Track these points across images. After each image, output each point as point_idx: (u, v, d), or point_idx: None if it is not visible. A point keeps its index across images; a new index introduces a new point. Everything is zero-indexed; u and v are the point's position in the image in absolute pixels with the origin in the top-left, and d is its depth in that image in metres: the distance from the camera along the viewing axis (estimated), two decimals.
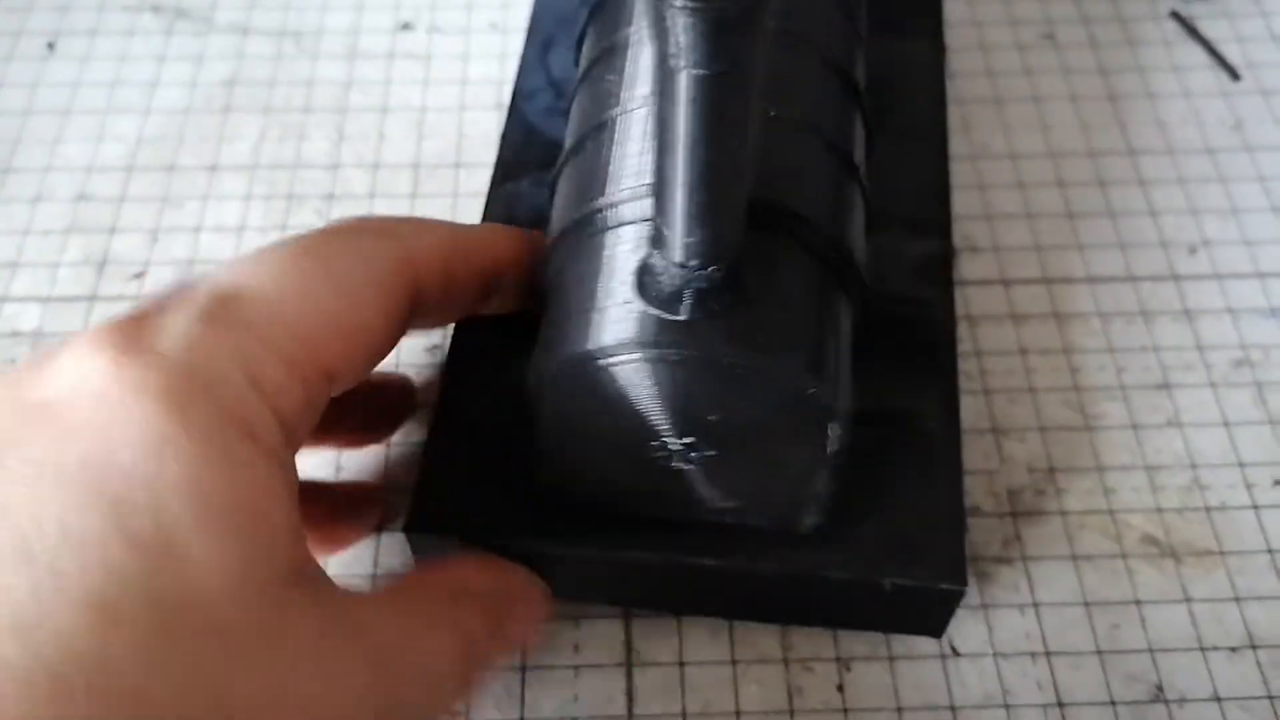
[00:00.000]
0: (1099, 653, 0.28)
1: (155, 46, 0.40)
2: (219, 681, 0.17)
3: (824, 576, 0.25)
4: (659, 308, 0.20)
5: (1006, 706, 0.27)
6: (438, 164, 0.37)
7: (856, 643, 0.28)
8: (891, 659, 0.27)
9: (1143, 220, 0.36)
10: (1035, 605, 0.28)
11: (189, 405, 0.18)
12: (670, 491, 0.24)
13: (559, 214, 0.25)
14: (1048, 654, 0.28)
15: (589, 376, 0.21)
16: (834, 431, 0.22)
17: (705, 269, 0.20)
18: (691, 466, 0.24)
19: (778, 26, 0.25)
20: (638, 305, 0.20)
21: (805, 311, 0.22)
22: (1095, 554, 0.29)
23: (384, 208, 0.35)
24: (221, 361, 0.19)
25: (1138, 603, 0.28)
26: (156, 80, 0.39)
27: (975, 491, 0.30)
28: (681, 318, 0.20)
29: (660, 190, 0.18)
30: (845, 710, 0.27)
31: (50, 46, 0.40)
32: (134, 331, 0.19)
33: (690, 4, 0.14)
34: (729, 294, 0.20)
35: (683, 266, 0.20)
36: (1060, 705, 0.27)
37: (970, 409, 0.31)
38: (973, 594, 0.28)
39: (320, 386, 0.21)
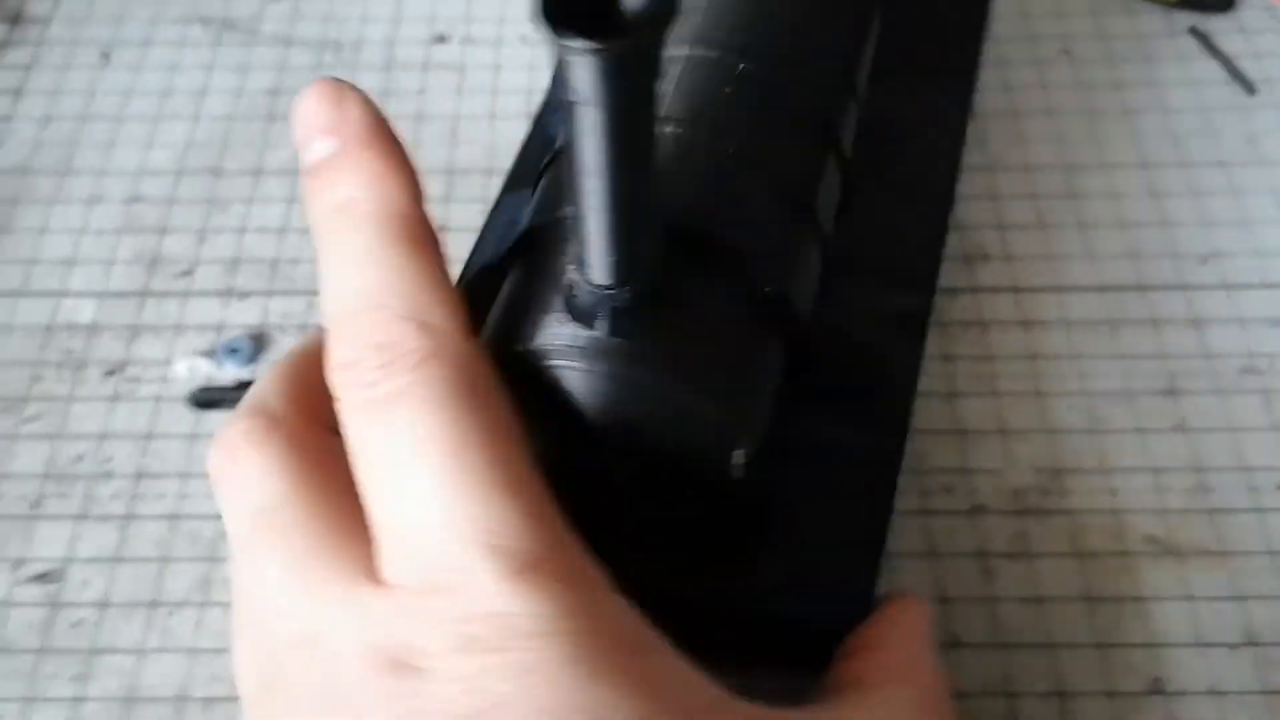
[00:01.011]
0: (1099, 646, 0.28)
1: (204, 57, 0.42)
2: None
3: (719, 604, 0.25)
4: (578, 321, 0.21)
5: (1007, 695, 0.28)
6: (470, 169, 0.38)
7: None
8: None
9: (1154, 231, 0.36)
10: (1039, 600, 0.29)
11: (595, 666, 0.18)
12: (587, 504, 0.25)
13: (527, 215, 0.26)
14: (1051, 645, 0.28)
15: (513, 368, 0.22)
16: (737, 460, 0.22)
17: (616, 289, 0.20)
18: (603, 479, 0.24)
19: (750, 70, 0.25)
20: (563, 316, 0.21)
21: (718, 340, 0.22)
22: (1099, 551, 0.30)
23: None
24: (565, 600, 0.18)
25: (1138, 599, 0.29)
26: (205, 89, 0.41)
27: (983, 490, 0.31)
28: (595, 334, 0.21)
29: (575, 215, 0.19)
30: None
31: (105, 56, 0.42)
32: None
33: (588, 45, 0.15)
34: (642, 315, 0.21)
35: (597, 286, 0.20)
36: (1061, 695, 0.28)
37: (980, 411, 0.32)
38: (979, 586, 0.29)
39: None
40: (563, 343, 0.21)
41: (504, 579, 0.18)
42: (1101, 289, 0.35)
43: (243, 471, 0.20)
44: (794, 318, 0.24)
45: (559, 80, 0.16)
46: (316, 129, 0.21)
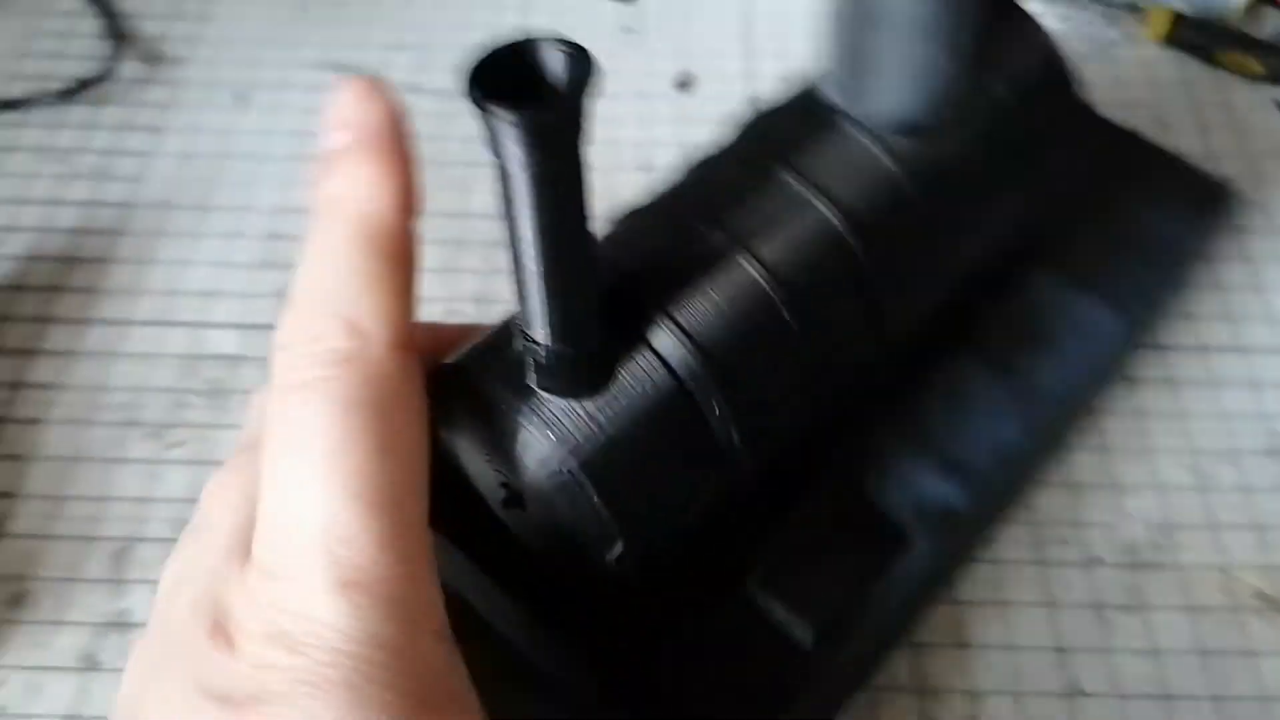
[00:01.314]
0: (1214, 699, 0.30)
1: None
2: None
3: None
4: (511, 363, 0.22)
5: None
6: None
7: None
8: (1017, 695, 0.30)
9: (1250, 296, 0.38)
10: (1155, 651, 0.30)
11: (373, 694, 0.18)
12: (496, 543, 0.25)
13: None
14: (1167, 697, 0.30)
15: (447, 380, 0.23)
16: (612, 554, 0.22)
17: (539, 344, 0.21)
18: (510, 518, 0.24)
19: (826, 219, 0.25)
20: (504, 353, 0.22)
21: (631, 440, 0.22)
22: (1209, 606, 0.31)
23: None
24: (382, 630, 0.18)
25: (1249, 653, 0.30)
26: None
27: (1096, 544, 0.32)
28: (524, 381, 0.22)
29: (512, 271, 0.20)
30: None
31: (242, 98, 0.44)
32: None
33: (513, 115, 0.16)
34: (565, 376, 0.21)
35: (526, 337, 0.21)
36: None
37: (1091, 466, 0.34)
38: (1095, 636, 0.31)
39: None
40: (492, 375, 0.22)
41: (330, 588, 0.18)
42: (1203, 349, 0.36)
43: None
44: (729, 443, 0.23)
45: (492, 150, 0.17)
46: (338, 120, 0.21)
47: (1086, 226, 0.34)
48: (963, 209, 0.28)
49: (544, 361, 0.21)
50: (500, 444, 0.22)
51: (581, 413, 0.22)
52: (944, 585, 0.31)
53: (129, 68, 0.45)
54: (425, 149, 0.43)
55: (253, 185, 0.41)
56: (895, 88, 0.26)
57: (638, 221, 0.26)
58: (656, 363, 0.22)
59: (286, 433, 0.19)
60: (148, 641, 0.20)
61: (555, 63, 0.17)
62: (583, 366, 0.21)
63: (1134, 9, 0.46)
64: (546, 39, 0.17)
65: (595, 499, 0.21)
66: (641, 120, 0.43)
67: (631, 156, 0.42)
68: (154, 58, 0.45)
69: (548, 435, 0.22)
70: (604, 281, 0.22)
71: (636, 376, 0.22)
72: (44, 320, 0.37)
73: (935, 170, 0.27)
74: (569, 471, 0.21)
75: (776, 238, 0.24)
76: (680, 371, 0.22)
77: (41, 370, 0.36)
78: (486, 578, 0.25)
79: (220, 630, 0.19)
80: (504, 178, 0.18)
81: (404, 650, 0.18)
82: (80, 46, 0.46)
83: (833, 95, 0.27)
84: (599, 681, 0.25)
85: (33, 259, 0.39)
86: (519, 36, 0.17)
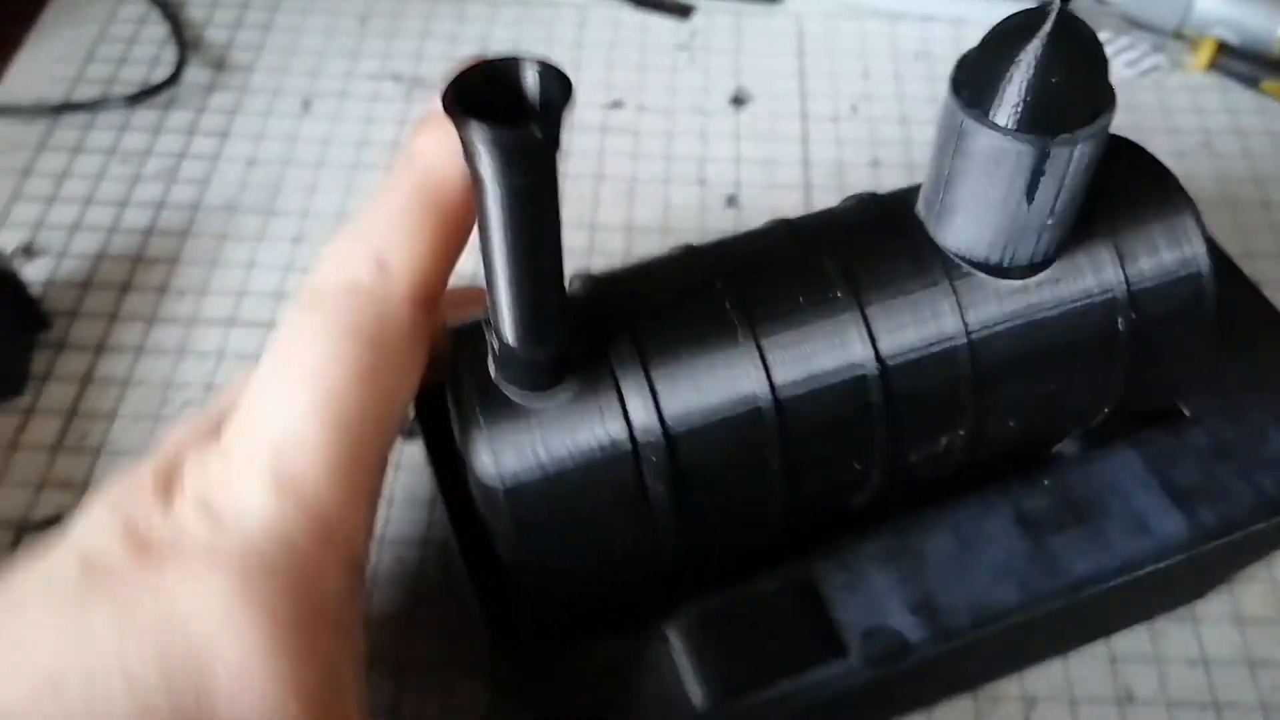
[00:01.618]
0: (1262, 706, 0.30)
1: (396, 111, 0.45)
2: None
3: None
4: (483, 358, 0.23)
5: None
6: (647, 228, 0.41)
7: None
8: (1073, 701, 0.30)
9: None
10: (1204, 661, 0.31)
11: (263, 588, 0.19)
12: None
13: None
14: (1215, 705, 0.30)
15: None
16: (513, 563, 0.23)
17: (502, 342, 0.21)
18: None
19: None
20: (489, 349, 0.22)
21: (562, 451, 0.22)
22: (1259, 617, 0.32)
23: (601, 263, 0.39)
24: (297, 537, 0.19)
25: None
26: (398, 141, 0.44)
27: None
28: (488, 369, 0.22)
29: (486, 275, 0.21)
30: None
31: (306, 105, 0.45)
32: (204, 493, 0.20)
33: (491, 131, 0.17)
34: (524, 373, 0.22)
35: (494, 332, 0.22)
36: None
37: None
38: (1146, 645, 0.31)
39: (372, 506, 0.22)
40: (468, 355, 0.23)
41: (265, 483, 0.19)
42: None
43: None
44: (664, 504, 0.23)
45: (470, 164, 0.18)
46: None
47: (1194, 409, 0.29)
48: (1018, 375, 0.25)
49: (504, 356, 0.22)
50: (461, 428, 0.23)
51: (526, 424, 0.22)
52: (872, 712, 0.30)
53: (195, 74, 0.46)
54: None
55: (315, 191, 0.42)
56: (973, 219, 0.24)
57: (674, 261, 0.25)
58: (614, 398, 0.22)
59: (285, 338, 0.21)
60: (120, 475, 0.21)
61: (533, 82, 0.18)
62: (541, 368, 0.22)
63: (1180, 38, 0.47)
64: (527, 59, 0.18)
65: (508, 519, 0.22)
66: (697, 135, 0.44)
67: (687, 170, 0.43)
68: (219, 64, 0.46)
69: (488, 440, 0.22)
70: (602, 297, 0.23)
71: (588, 402, 0.22)
72: (114, 317, 0.38)
73: (1004, 319, 0.24)
74: (499, 485, 0.22)
75: (791, 346, 0.23)
76: (634, 421, 0.22)
77: (112, 366, 0.37)
78: (454, 538, 0.26)
79: (166, 486, 0.20)
80: (479, 189, 0.19)
81: (309, 565, 0.19)
82: (147, 52, 0.47)
83: (920, 209, 0.25)
84: (495, 683, 0.25)
85: (102, 258, 0.40)
86: (502, 55, 0.18)
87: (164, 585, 0.18)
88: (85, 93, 0.45)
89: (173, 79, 0.45)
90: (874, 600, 0.26)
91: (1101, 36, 0.46)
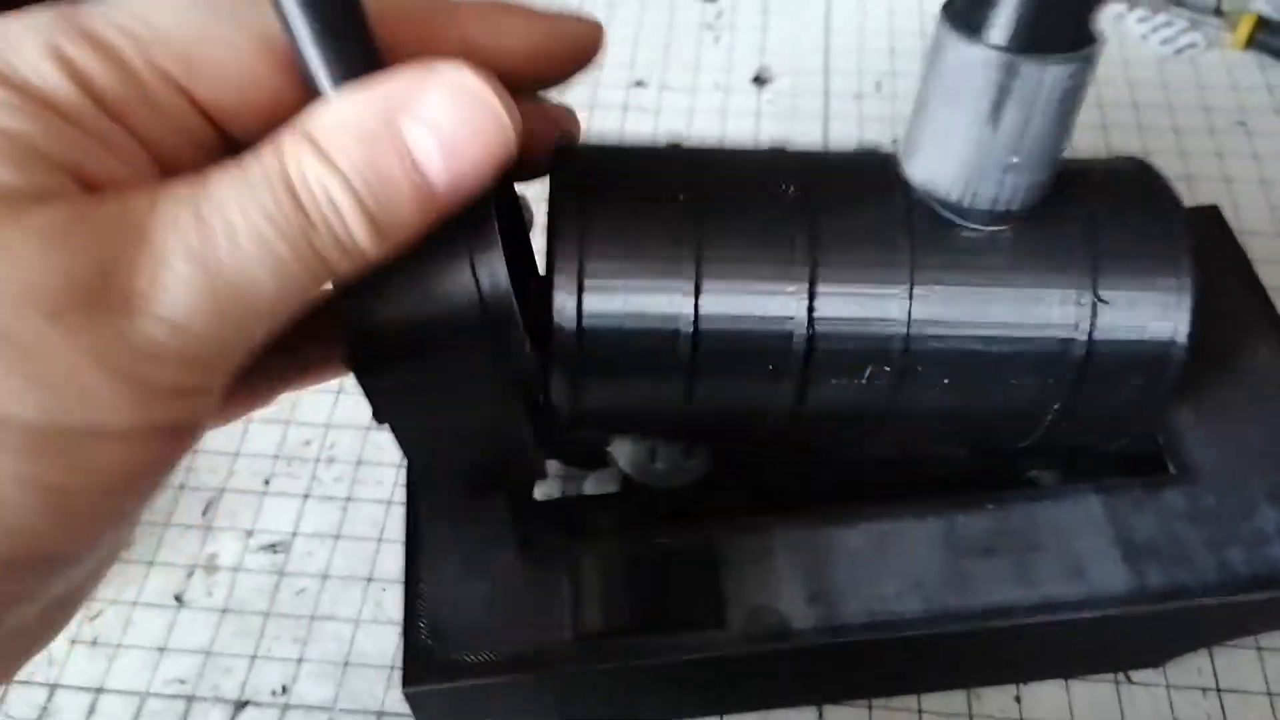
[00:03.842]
0: None
1: None
2: None
3: None
4: None
5: None
6: None
7: None
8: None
9: None
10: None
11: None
12: None
13: None
14: None
15: None
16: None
17: None
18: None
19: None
20: None
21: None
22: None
23: None
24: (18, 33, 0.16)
25: None
26: None
27: None
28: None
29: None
30: None
31: None
32: None
33: None
34: None
35: None
36: None
37: None
38: None
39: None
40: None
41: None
42: None
43: None
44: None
45: None
46: None
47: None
48: (957, 325, 0.24)
49: None
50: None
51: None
52: (757, 693, 0.29)
53: None
54: None
55: None
56: (937, 147, 0.23)
57: (638, 154, 0.25)
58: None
59: None
60: None
61: None
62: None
63: (1218, 13, 0.46)
64: None
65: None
66: (719, 113, 0.44)
67: None
68: None
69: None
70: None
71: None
72: None
73: (954, 263, 0.23)
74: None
75: (731, 255, 0.23)
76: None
77: None
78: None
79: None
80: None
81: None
82: None
83: (899, 147, 0.25)
84: None
85: None
86: None
87: None
88: None
89: None
90: (772, 580, 0.26)
91: (1137, 14, 0.45)
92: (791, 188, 0.23)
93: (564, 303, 0.22)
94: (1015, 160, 0.22)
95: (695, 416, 0.24)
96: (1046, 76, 0.21)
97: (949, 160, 0.23)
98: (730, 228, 0.23)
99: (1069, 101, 0.22)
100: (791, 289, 0.23)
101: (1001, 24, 0.21)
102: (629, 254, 0.23)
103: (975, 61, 0.21)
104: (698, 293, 0.23)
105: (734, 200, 0.23)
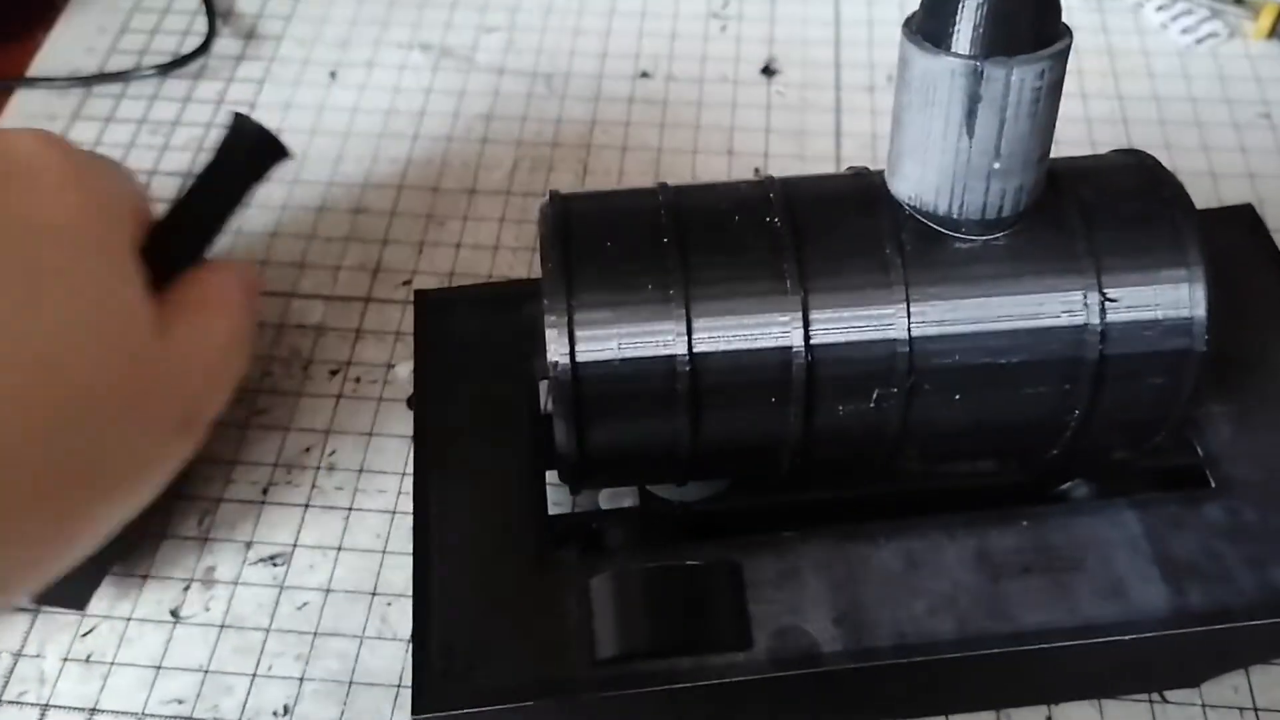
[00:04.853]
0: None
1: (423, 80, 0.44)
2: None
3: None
4: None
5: None
6: None
7: None
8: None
9: None
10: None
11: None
12: None
13: None
14: None
15: None
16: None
17: None
18: None
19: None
20: None
21: None
22: None
23: None
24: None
25: None
26: (424, 110, 0.43)
27: None
28: None
29: None
30: None
31: (333, 75, 0.45)
32: None
33: None
34: None
35: None
36: None
37: None
38: None
39: None
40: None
41: None
42: None
43: None
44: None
45: None
46: None
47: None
48: (960, 339, 0.23)
49: None
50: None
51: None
52: (781, 715, 0.28)
53: (225, 44, 0.46)
54: (509, 129, 0.44)
55: (340, 161, 0.42)
56: (918, 160, 0.23)
57: (623, 197, 0.26)
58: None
59: None
60: None
61: None
62: None
63: (1239, 2, 0.44)
64: None
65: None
66: (726, 105, 0.43)
67: (715, 140, 0.42)
68: (249, 34, 0.46)
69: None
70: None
71: None
72: None
73: (947, 277, 0.23)
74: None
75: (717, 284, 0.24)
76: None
77: None
78: None
79: None
80: None
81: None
82: (179, 22, 0.47)
83: (886, 165, 0.25)
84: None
85: None
86: None
87: None
88: (118, 63, 0.45)
89: (203, 49, 0.45)
90: (799, 600, 0.25)
91: (1155, 3, 0.44)
92: (778, 219, 0.24)
93: (558, 351, 0.23)
94: (998, 166, 0.22)
95: (704, 456, 0.24)
96: (1014, 78, 0.21)
97: (931, 173, 0.23)
98: (717, 264, 0.23)
99: (1043, 100, 0.21)
100: (785, 319, 0.23)
101: (962, 31, 0.21)
102: (618, 299, 0.23)
103: (942, 72, 0.21)
104: (689, 332, 0.23)
105: (722, 237, 0.24)
